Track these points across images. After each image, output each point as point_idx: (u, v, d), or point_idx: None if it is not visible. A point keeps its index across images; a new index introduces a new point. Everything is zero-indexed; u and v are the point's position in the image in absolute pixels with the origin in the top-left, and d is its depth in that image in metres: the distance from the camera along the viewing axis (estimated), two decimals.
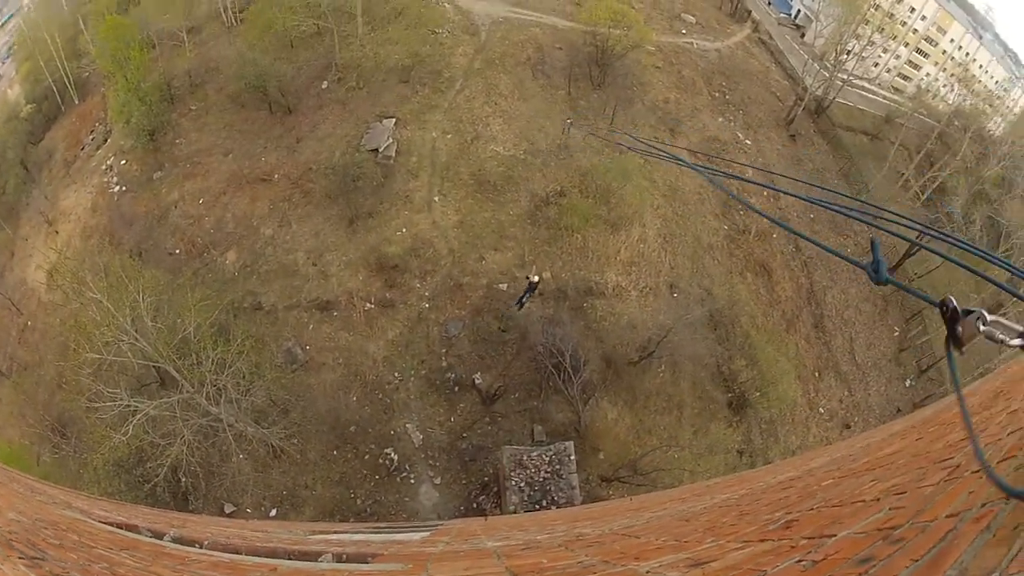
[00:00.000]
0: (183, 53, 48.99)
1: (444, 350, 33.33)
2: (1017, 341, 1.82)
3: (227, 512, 29.33)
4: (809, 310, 42.57)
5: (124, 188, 43.21)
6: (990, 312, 1.82)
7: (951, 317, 1.92)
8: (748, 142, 45.95)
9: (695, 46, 51.10)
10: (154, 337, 25.65)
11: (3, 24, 77.79)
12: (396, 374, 32.86)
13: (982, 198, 51.39)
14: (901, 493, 2.52)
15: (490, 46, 45.01)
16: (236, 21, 51.45)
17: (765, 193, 44.64)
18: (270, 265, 36.43)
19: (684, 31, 52.55)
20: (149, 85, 44.14)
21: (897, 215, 5.15)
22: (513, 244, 36.76)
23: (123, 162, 44.69)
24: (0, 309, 43.53)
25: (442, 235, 36.58)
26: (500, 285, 35.32)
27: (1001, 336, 1.84)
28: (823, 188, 45.73)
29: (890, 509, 2.31)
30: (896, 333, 44.33)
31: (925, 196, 51.61)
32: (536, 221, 37.46)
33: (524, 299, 33.54)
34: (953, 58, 74.06)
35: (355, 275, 35.43)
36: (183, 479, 27.80)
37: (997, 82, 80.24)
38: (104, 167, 45.56)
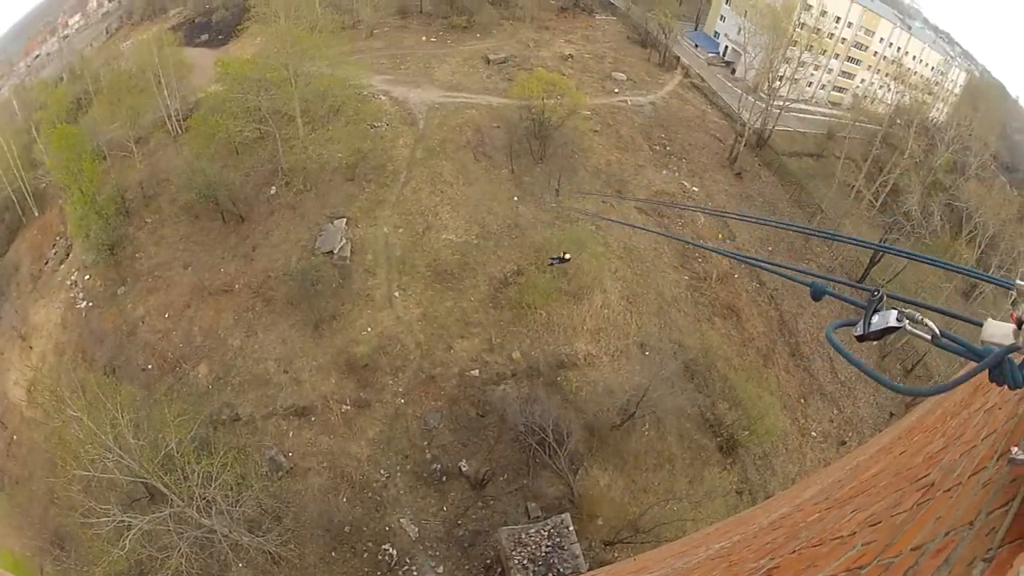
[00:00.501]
0: (133, 164, 49.45)
1: (426, 442, 33.34)
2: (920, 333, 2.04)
3: None
4: (783, 341, 43.02)
5: (90, 304, 43.26)
6: None
7: (873, 306, 2.20)
8: (695, 189, 46.68)
9: (629, 103, 52.00)
10: (138, 454, 25.85)
11: None
12: (382, 471, 32.74)
13: (937, 187, 52.43)
14: (876, 524, 2.53)
15: (429, 134, 45.52)
16: (181, 129, 51.89)
17: (720, 236, 45.50)
18: (242, 376, 36.31)
19: (616, 90, 53.44)
20: (104, 198, 44.52)
21: (848, 239, 5.70)
22: (479, 329, 36.93)
23: (87, 277, 44.83)
24: None
25: (407, 329, 36.66)
26: (472, 372, 35.44)
27: (918, 317, 2.07)
28: (772, 223, 46.80)
29: (862, 545, 2.32)
30: (875, 343, 44.92)
31: (879, 201, 52.56)
32: (498, 303, 37.73)
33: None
34: (885, 57, 75.32)
35: (327, 378, 35.38)
36: None
37: (933, 68, 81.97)
38: (69, 282, 45.74)
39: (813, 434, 39.50)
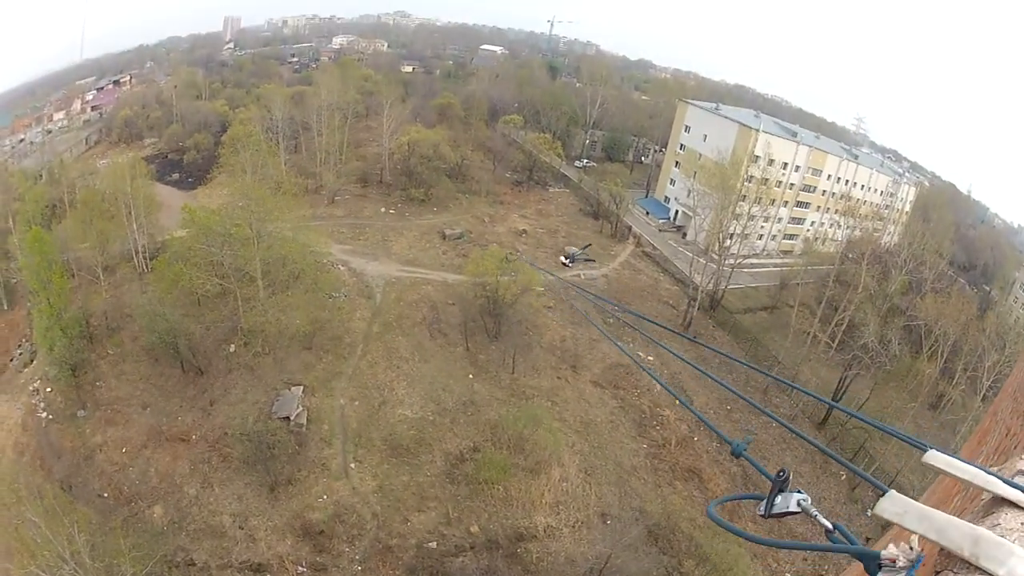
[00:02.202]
0: (99, 291, 49.59)
1: None
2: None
3: None
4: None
5: (51, 416, 42.62)
6: None
7: (778, 485, 2.30)
8: (651, 358, 47.64)
9: (583, 277, 53.57)
10: (94, 574, 25.95)
11: None
12: None
13: (894, 312, 53.71)
14: None
15: (386, 308, 46.36)
16: (147, 267, 52.24)
17: (677, 402, 46.17)
18: (197, 524, 35.48)
19: (570, 264, 55.10)
20: (69, 316, 44.37)
21: (805, 391, 5.70)
22: (435, 503, 36.50)
23: (48, 390, 44.21)
24: None
25: (363, 500, 36.21)
26: (429, 544, 34.84)
27: (811, 513, 2.16)
28: (727, 386, 47.73)
29: None
30: (843, 477, 45.02)
31: (836, 341, 53.63)
32: (454, 479, 37.48)
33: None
34: (834, 194, 78.51)
35: (283, 539, 34.64)
36: None
37: (882, 192, 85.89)
38: (32, 388, 45.05)
39: (787, 575, 39.17)
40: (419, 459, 38.20)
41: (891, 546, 1.89)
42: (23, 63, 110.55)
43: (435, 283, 49.00)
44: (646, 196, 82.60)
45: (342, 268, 49.18)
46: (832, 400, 47.32)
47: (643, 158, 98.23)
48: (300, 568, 33.82)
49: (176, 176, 74.89)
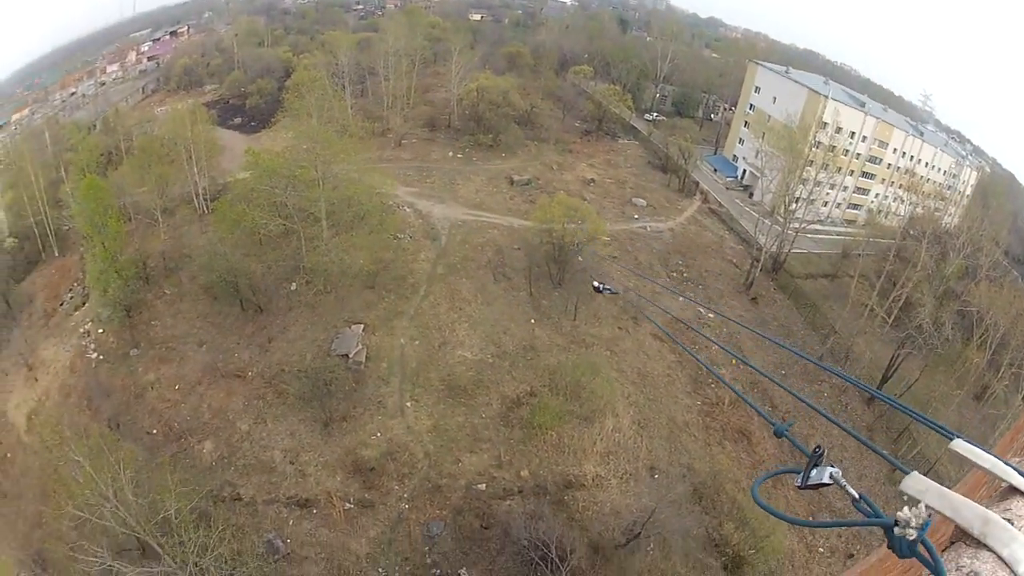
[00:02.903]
0: (158, 234, 50.35)
1: (427, 547, 32.99)
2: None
3: None
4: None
5: (101, 357, 43.54)
6: None
7: (814, 460, 2.55)
8: (711, 315, 46.99)
9: (648, 229, 52.93)
10: (136, 510, 26.07)
11: None
12: (380, 570, 32.31)
13: (948, 296, 52.41)
14: None
15: (450, 250, 46.43)
16: (207, 209, 52.91)
17: (733, 362, 45.59)
18: (247, 459, 36.37)
19: (636, 216, 54.41)
20: (125, 259, 45.17)
21: (840, 375, 6.04)
22: (488, 446, 36.82)
23: (100, 331, 45.18)
24: None
25: (417, 439, 36.66)
26: (478, 485, 35.24)
27: (842, 484, 2.37)
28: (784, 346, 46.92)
29: None
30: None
31: (892, 317, 52.57)
32: (509, 422, 37.69)
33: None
34: (899, 168, 76.51)
35: (333, 475, 35.35)
36: None
37: (945, 172, 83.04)
38: (82, 331, 46.12)
39: (821, 550, 38.63)
40: (475, 401, 38.48)
41: (905, 508, 2.04)
42: (72, 20, 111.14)
43: (501, 228, 48.89)
44: (714, 153, 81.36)
45: (408, 210, 49.34)
46: (884, 375, 46.88)
47: (712, 115, 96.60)
48: (347, 504, 34.47)
49: (238, 120, 75.75)
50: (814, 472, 2.57)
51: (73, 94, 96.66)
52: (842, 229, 69.72)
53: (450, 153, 62.21)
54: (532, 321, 42.41)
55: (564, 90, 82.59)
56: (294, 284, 44.27)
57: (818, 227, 62.64)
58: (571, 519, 34.75)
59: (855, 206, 76.72)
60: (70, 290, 51.61)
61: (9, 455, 41.21)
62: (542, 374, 39.55)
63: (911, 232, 57.34)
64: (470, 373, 39.32)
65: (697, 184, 63.90)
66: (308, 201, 44.22)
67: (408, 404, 38.14)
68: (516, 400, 38.56)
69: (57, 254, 55.37)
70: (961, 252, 52.81)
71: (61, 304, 50.63)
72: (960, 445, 2.33)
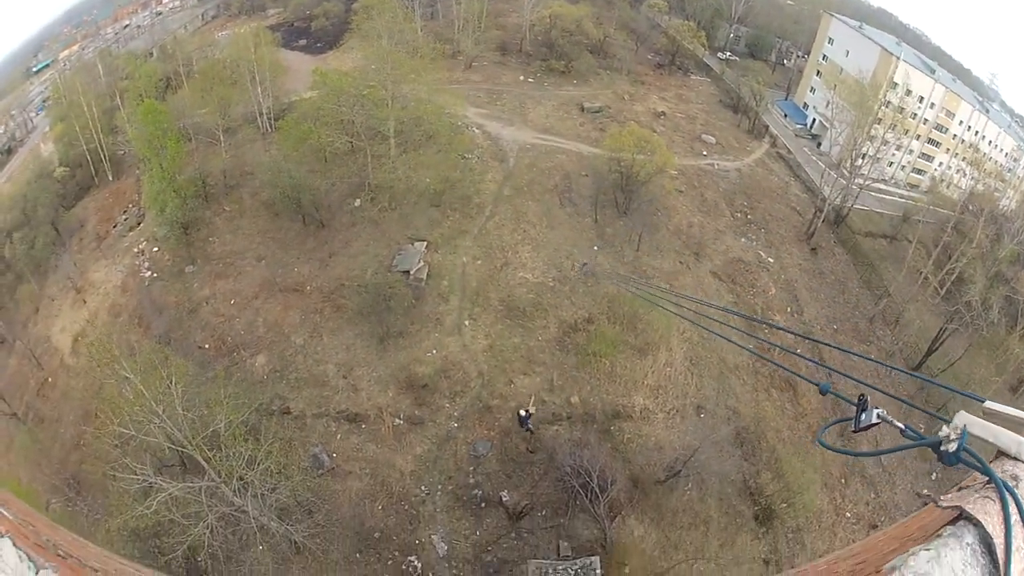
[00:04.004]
0: (219, 153, 50.66)
1: (472, 467, 33.63)
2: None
3: None
4: (835, 417, 42.51)
5: (155, 275, 44.45)
6: None
7: (861, 406, 3.15)
8: (771, 260, 46.59)
9: (716, 167, 52.27)
10: (184, 425, 26.30)
11: (38, 71, 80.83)
12: (423, 487, 33.16)
13: (999, 280, 51.55)
14: None
15: (518, 173, 46.32)
16: (271, 128, 53.18)
17: (789, 309, 45.33)
18: (300, 373, 37.11)
19: (705, 152, 53.73)
20: (184, 179, 45.73)
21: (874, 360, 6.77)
22: (542, 369, 37.21)
23: (155, 249, 46.05)
24: (20, 358, 45.02)
25: (472, 358, 37.16)
26: (529, 408, 35.38)
27: (888, 420, 2.98)
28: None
29: None
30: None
31: (944, 289, 51.95)
32: (565, 347, 37.98)
33: (527, 429, 34.65)
34: (963, 141, 74.63)
35: (385, 391, 36.00)
36: (201, 560, 28.18)
37: (1007, 154, 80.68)
38: (136, 250, 47.00)
39: (847, 515, 38.71)
40: (533, 323, 38.74)
41: (944, 427, 2.51)
42: None
43: (570, 153, 48.62)
44: (785, 99, 79.85)
45: (476, 131, 49.28)
46: (929, 348, 46.38)
47: (785, 61, 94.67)
48: (397, 420, 35.11)
49: (303, 43, 75.50)
50: (863, 416, 3.12)
51: (127, 26, 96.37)
52: (905, 192, 68.25)
53: (521, 77, 61.69)
54: (595, 248, 42.46)
55: (638, 22, 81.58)
56: (358, 200, 44.63)
57: (882, 186, 61.49)
58: (615, 450, 35.20)
59: (919, 171, 74.91)
60: (124, 212, 52.36)
61: (50, 379, 42.56)
62: (601, 301, 39.66)
63: (970, 207, 56.29)
64: (530, 295, 39.56)
65: (767, 127, 62.92)
66: (376, 120, 44.19)
67: (466, 323, 38.58)
68: (573, 325, 38.76)
69: (111, 179, 55.98)
70: (1015, 237, 51.85)
71: (114, 226, 51.42)
72: (991, 404, 2.66)
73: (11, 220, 56.04)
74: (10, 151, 72.25)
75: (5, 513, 2.30)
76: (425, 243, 41.50)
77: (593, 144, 48.98)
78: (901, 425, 2.99)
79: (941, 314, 49.49)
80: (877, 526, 39.17)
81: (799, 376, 8.69)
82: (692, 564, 31.86)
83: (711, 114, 61.28)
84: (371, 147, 44.42)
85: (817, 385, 4.12)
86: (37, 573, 2.03)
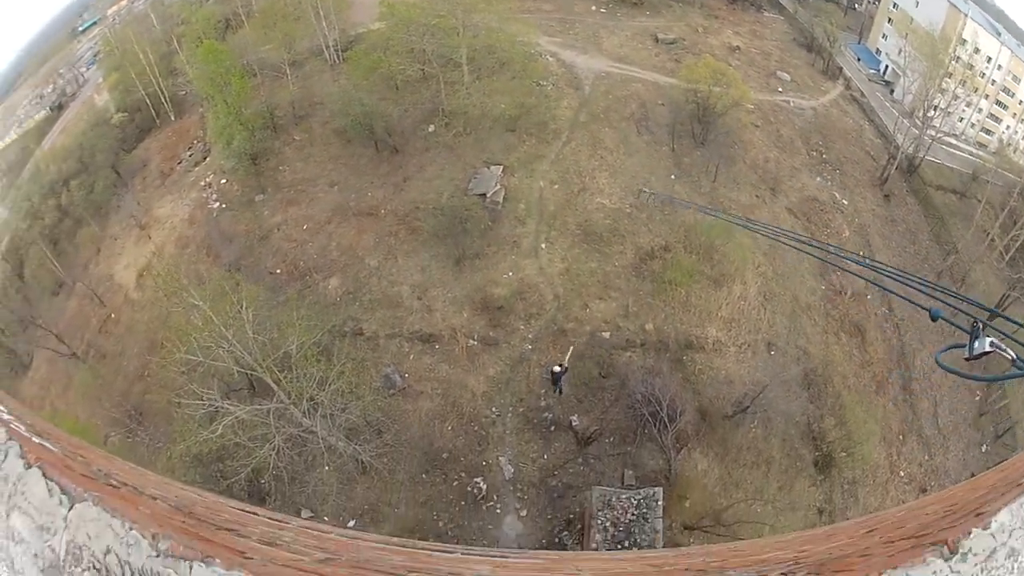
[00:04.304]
0: (286, 85, 50.50)
1: (543, 391, 33.64)
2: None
3: (304, 518, 30.08)
4: (899, 373, 41.85)
5: (224, 206, 44.73)
6: None
7: (974, 334, 3.13)
8: (845, 202, 45.91)
9: (791, 104, 51.44)
10: (254, 348, 26.36)
11: (85, 30, 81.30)
12: (494, 409, 33.34)
13: None
14: None
15: (594, 100, 45.89)
16: (339, 59, 53.11)
17: (861, 253, 44.69)
18: (374, 295, 37.35)
19: (780, 89, 52.90)
20: (251, 112, 45.78)
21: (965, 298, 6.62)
22: (617, 295, 37.11)
23: (223, 181, 46.32)
24: (81, 299, 45.84)
25: (548, 281, 37.15)
26: (603, 333, 35.68)
27: (1001, 349, 2.95)
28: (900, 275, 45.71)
29: None
30: (977, 397, 43.36)
31: (1009, 255, 51.05)
32: (641, 274, 37.83)
33: (558, 387, 33.08)
34: None
35: (460, 312, 36.16)
36: (264, 481, 28.59)
37: None
38: (203, 183, 47.34)
39: (901, 474, 38.22)
40: (610, 248, 38.53)
41: None
42: None
43: (645, 82, 48.10)
44: (858, 42, 78.11)
45: (550, 59, 48.85)
46: (991, 314, 45.09)
47: (856, 5, 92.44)
48: (471, 341, 35.08)
49: None
50: (976, 343, 3.15)
51: None
52: (974, 150, 66.64)
53: (593, 7, 60.61)
54: (672, 176, 42.14)
55: None
56: (432, 126, 44.53)
57: (952, 140, 60.14)
58: (686, 380, 35.05)
59: (988, 132, 73.15)
60: (189, 148, 52.54)
61: (113, 315, 43.17)
62: (678, 230, 39.36)
63: None
64: (607, 221, 39.31)
65: (840, 69, 61.64)
66: (448, 48, 43.82)
67: (543, 246, 38.48)
68: (650, 252, 38.51)
69: (173, 119, 56.11)
70: None
71: (179, 163, 51.68)
72: None
73: (67, 169, 56.70)
74: (61, 107, 72.60)
75: (49, 446, 2.10)
76: (501, 167, 41.36)
77: (668, 74, 48.47)
78: (1012, 354, 2.94)
79: (1005, 280, 48.62)
80: (927, 490, 38.64)
81: (907, 300, 8.22)
82: (750, 505, 31.74)
83: (785, 52, 60.09)
84: (443, 74, 44.17)
85: (928, 311, 4.02)
86: (72, 507, 1.81)
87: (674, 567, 2.33)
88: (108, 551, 1.74)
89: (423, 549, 2.32)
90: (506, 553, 2.54)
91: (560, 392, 33.26)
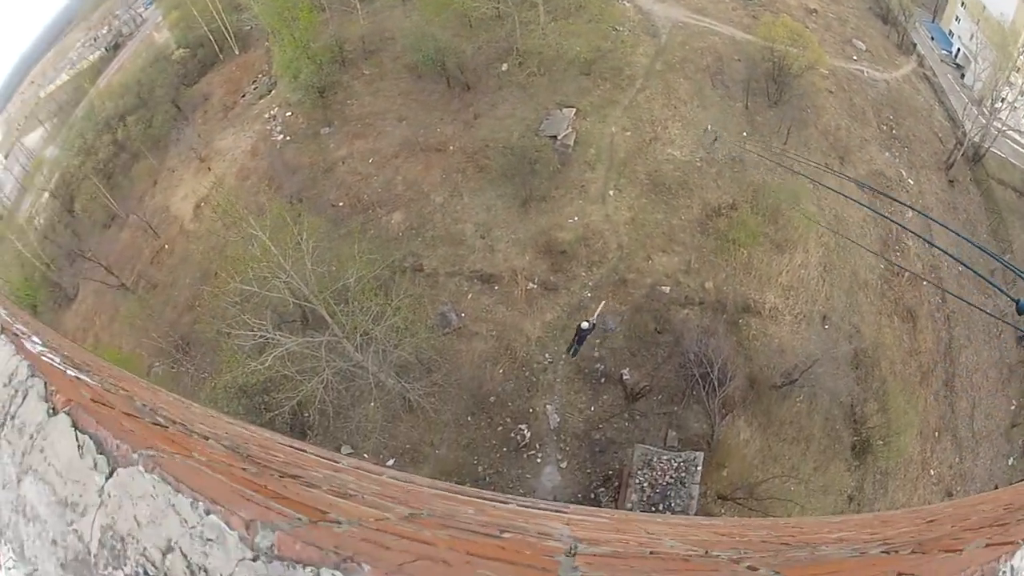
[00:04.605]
0: (355, 21, 50.02)
1: (598, 341, 33.00)
2: None
3: (344, 454, 30.06)
4: (943, 366, 41.06)
5: (288, 138, 44.52)
6: None
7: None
8: (911, 181, 45.19)
9: (865, 74, 50.48)
10: (311, 279, 26.03)
11: None
12: (547, 355, 33.00)
13: None
14: None
15: (670, 49, 45.18)
16: None
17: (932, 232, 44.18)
18: (437, 231, 37.14)
19: (855, 57, 51.97)
20: (319, 46, 45.26)
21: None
22: (681, 249, 36.66)
23: (288, 114, 45.98)
24: (134, 230, 46.17)
25: (613, 229, 36.69)
26: (663, 287, 35.27)
27: None
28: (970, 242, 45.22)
29: None
30: (1013, 406, 42.87)
31: None
32: (705, 230, 37.30)
33: (576, 347, 30.44)
34: None
35: (522, 254, 35.86)
36: (308, 415, 28.86)
37: None
38: (267, 116, 47.05)
39: (931, 472, 37.81)
40: (677, 201, 37.98)
41: None
42: None
43: (722, 36, 47.22)
44: (932, 21, 77.04)
45: (627, 4, 48.10)
46: None
47: None
48: (531, 284, 34.75)
49: None
50: None
51: None
52: None
53: None
54: (744, 134, 41.40)
55: None
56: (505, 65, 43.94)
57: (1016, 136, 59.21)
58: (740, 344, 34.63)
59: None
60: (253, 82, 52.37)
61: (167, 246, 43.32)
62: (746, 189, 38.73)
63: None
64: (676, 173, 38.73)
65: (915, 45, 60.69)
66: None
67: (611, 193, 37.94)
68: (716, 209, 37.92)
69: (237, 53, 55.85)
70: None
71: (243, 96, 51.55)
72: None
73: (124, 105, 57.03)
74: (117, 46, 73.47)
75: (87, 379, 1.58)
76: (574, 110, 40.80)
77: (746, 30, 47.46)
78: None
79: None
80: (952, 494, 38.26)
81: (988, 281, 7.79)
82: (784, 481, 31.46)
83: (861, 20, 58.76)
84: (519, 13, 43.57)
85: (1015, 300, 3.87)
86: (112, 474, 1.21)
87: (754, 538, 1.92)
88: (170, 548, 1.10)
89: (476, 497, 1.88)
90: (559, 508, 2.11)
91: (575, 354, 31.18)
